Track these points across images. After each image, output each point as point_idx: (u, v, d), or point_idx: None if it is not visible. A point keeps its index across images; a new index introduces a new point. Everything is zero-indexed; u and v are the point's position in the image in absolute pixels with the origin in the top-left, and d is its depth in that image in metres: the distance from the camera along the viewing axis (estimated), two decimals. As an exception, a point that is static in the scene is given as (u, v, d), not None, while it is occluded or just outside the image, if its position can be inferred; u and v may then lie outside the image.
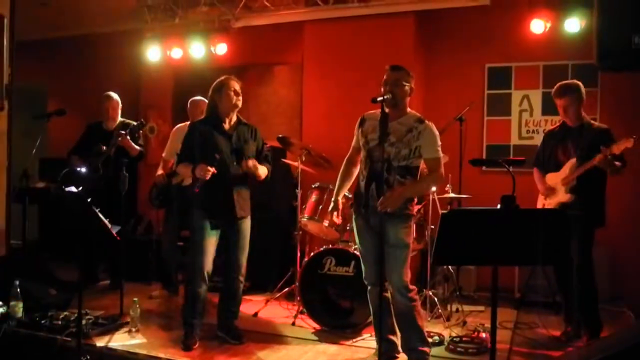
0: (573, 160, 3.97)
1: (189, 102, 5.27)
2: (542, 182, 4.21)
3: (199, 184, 3.78)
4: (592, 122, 4.15)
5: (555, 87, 4.15)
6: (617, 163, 3.71)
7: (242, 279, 4.04)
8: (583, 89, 4.07)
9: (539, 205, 4.19)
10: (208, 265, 3.92)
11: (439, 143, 3.48)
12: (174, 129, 5.36)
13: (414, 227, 3.53)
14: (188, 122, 5.13)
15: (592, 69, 5.05)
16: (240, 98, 4.00)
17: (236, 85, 3.97)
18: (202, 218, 3.91)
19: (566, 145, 4.07)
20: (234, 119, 4.03)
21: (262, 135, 4.14)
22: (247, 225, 4.03)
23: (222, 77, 4.02)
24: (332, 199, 3.76)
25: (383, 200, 3.28)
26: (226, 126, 3.98)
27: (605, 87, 5.36)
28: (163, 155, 5.29)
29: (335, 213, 3.77)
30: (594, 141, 3.88)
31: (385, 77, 3.50)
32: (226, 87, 3.94)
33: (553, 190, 4.09)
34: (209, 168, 3.76)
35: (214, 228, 3.94)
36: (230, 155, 3.92)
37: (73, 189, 3.40)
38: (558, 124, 4.28)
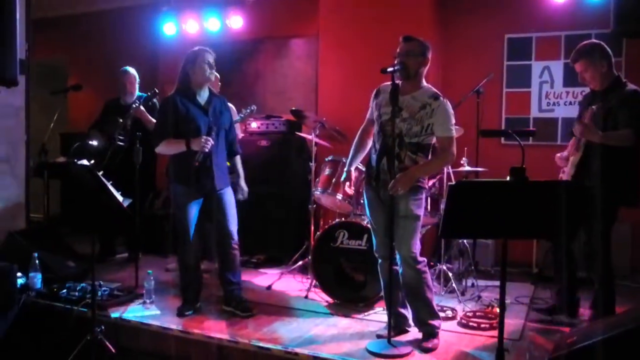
0: (578, 156, 3.67)
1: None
2: (568, 150, 3.88)
3: (199, 157, 3.78)
4: (625, 82, 3.64)
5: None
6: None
7: (235, 246, 4.02)
8: (604, 51, 3.62)
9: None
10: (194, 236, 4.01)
11: (453, 121, 3.39)
12: None
13: (424, 199, 3.48)
14: None
15: (617, 39, 4.92)
16: (214, 71, 3.95)
17: (210, 58, 3.92)
18: (183, 193, 3.95)
19: (589, 111, 3.65)
20: (207, 91, 4.00)
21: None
22: (229, 195, 4.02)
23: (196, 48, 3.98)
24: (345, 169, 3.73)
25: (394, 184, 3.24)
26: (200, 100, 3.96)
27: (631, 57, 5.17)
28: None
29: (347, 183, 3.75)
30: (617, 108, 3.49)
31: (398, 48, 3.42)
32: (200, 59, 3.88)
33: (567, 162, 3.82)
34: (208, 138, 3.77)
35: (195, 200, 3.97)
36: (208, 129, 3.90)
37: (84, 161, 3.42)
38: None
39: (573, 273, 3.86)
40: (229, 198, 4.02)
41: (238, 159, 4.25)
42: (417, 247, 3.42)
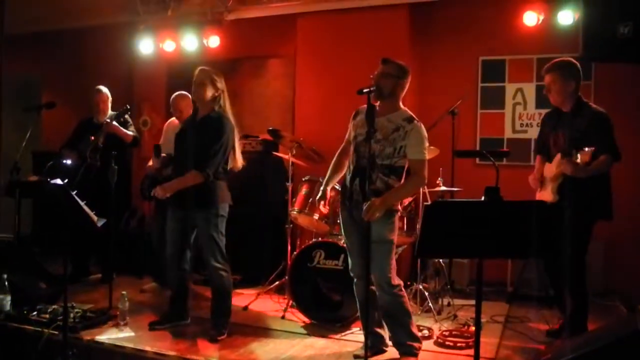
0: (558, 157, 3.66)
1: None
2: (538, 171, 3.92)
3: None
4: (590, 104, 3.73)
5: None
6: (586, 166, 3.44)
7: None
8: (575, 69, 3.68)
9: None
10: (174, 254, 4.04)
11: (426, 145, 3.41)
12: (167, 123, 5.35)
13: (397, 222, 3.49)
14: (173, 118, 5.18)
15: (586, 63, 5.05)
16: (197, 89, 3.91)
17: (197, 75, 3.93)
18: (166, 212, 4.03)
19: (557, 134, 3.78)
20: (205, 111, 3.97)
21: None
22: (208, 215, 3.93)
23: None
24: (321, 188, 3.74)
25: (366, 210, 3.24)
26: (197, 119, 3.99)
27: (600, 80, 5.31)
28: (160, 142, 5.26)
29: (322, 202, 3.75)
30: (586, 130, 3.56)
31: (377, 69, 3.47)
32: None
33: (543, 184, 3.85)
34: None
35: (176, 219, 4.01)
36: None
37: (58, 181, 3.37)
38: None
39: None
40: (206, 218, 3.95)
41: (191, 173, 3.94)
42: (391, 270, 3.42)
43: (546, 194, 3.78)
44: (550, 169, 3.79)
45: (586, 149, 3.37)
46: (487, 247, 2.57)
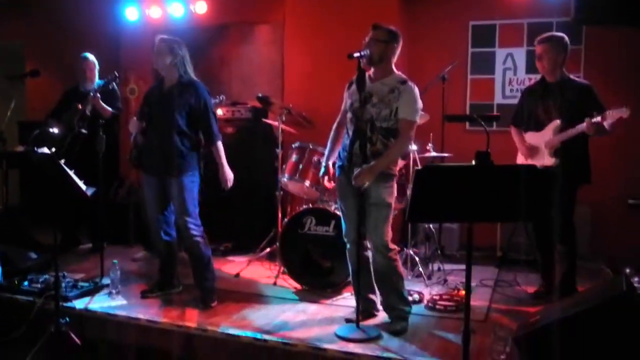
0: (557, 122, 3.87)
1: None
2: (522, 141, 4.12)
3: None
4: (573, 78, 4.05)
5: None
6: (606, 128, 3.64)
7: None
8: (566, 42, 3.90)
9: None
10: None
11: (418, 106, 3.40)
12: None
13: (395, 186, 3.50)
14: None
15: (577, 28, 5.03)
16: (156, 58, 3.93)
17: (156, 44, 3.94)
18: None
19: (547, 103, 3.97)
20: (172, 79, 3.97)
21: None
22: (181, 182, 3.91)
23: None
24: (323, 164, 3.72)
25: (357, 175, 3.26)
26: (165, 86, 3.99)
27: (590, 45, 5.28)
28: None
29: (326, 177, 3.74)
30: (577, 100, 3.81)
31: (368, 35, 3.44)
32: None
33: (535, 151, 4.00)
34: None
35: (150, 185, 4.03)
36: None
37: (45, 150, 3.33)
38: (535, 80, 4.18)
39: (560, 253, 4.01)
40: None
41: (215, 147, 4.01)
42: (388, 234, 3.45)
43: (543, 159, 3.93)
44: (543, 136, 3.94)
45: (595, 114, 3.61)
46: (478, 211, 2.58)
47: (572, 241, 3.94)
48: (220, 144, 3.98)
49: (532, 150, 4.02)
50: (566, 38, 3.91)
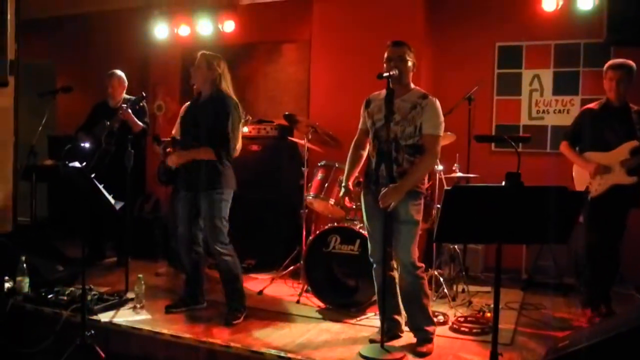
0: (634, 143, 3.94)
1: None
2: (583, 159, 4.12)
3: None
4: (631, 104, 4.11)
5: (610, 61, 4.09)
6: None
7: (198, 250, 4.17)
8: (635, 70, 4.02)
9: (583, 181, 4.11)
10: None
11: (441, 119, 3.41)
12: (183, 107, 5.33)
13: (422, 204, 3.49)
14: None
15: (605, 49, 4.98)
16: (194, 72, 4.00)
17: (197, 59, 4.00)
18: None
19: (613, 126, 4.03)
20: (207, 94, 4.02)
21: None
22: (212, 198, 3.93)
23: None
24: (343, 185, 3.70)
25: (383, 196, 3.26)
26: (200, 101, 4.04)
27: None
28: (172, 132, 5.27)
29: (347, 198, 3.75)
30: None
31: (387, 53, 3.44)
32: None
33: (608, 170, 4.00)
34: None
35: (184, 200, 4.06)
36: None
37: (76, 164, 3.39)
38: (597, 101, 4.21)
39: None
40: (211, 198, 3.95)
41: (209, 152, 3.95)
42: (416, 253, 3.44)
43: (619, 178, 3.99)
44: (618, 155, 3.99)
45: None
46: (507, 232, 2.57)
47: (618, 265, 4.10)
48: (211, 154, 3.88)
49: (604, 169, 4.01)
50: (635, 66, 4.03)
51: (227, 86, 4.03)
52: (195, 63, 3.99)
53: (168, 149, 4.11)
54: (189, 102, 4.22)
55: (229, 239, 3.99)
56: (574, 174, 4.23)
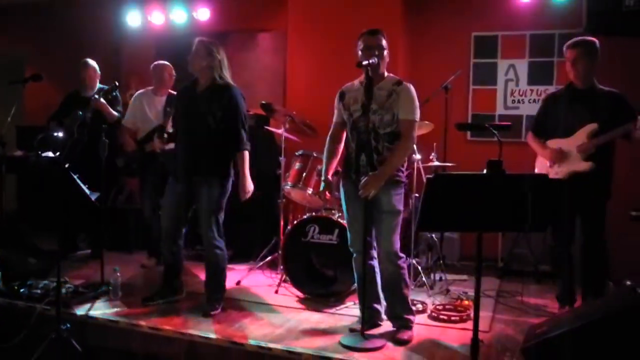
0: (593, 126, 3.69)
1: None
2: (544, 147, 3.93)
3: None
4: (601, 86, 3.83)
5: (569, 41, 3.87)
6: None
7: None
8: (597, 48, 3.73)
9: (543, 171, 3.88)
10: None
11: (416, 104, 3.40)
12: (137, 93, 5.21)
13: (403, 193, 3.49)
14: (150, 88, 5.13)
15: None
16: (192, 58, 3.90)
17: (194, 45, 3.91)
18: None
19: (576, 109, 3.79)
20: (207, 81, 3.91)
21: (244, 103, 3.99)
22: (212, 188, 3.87)
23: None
24: (323, 179, 3.69)
25: (364, 185, 3.25)
26: (199, 88, 3.94)
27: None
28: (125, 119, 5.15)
29: (327, 192, 3.73)
30: (612, 107, 3.69)
31: (365, 42, 3.41)
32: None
33: (565, 156, 3.80)
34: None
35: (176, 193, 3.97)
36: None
37: (50, 154, 3.30)
38: (560, 87, 4.03)
39: (573, 267, 3.96)
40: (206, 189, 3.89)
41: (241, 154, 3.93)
42: (398, 242, 3.44)
43: (575, 165, 3.77)
44: (575, 140, 3.77)
45: None
46: (489, 220, 2.58)
47: (606, 259, 3.86)
48: (246, 154, 3.89)
49: (561, 155, 3.82)
50: (597, 43, 3.75)
51: (228, 74, 3.94)
52: (193, 49, 3.88)
53: (158, 141, 4.02)
54: (179, 91, 4.09)
55: (222, 230, 3.94)
56: (536, 163, 4.08)
